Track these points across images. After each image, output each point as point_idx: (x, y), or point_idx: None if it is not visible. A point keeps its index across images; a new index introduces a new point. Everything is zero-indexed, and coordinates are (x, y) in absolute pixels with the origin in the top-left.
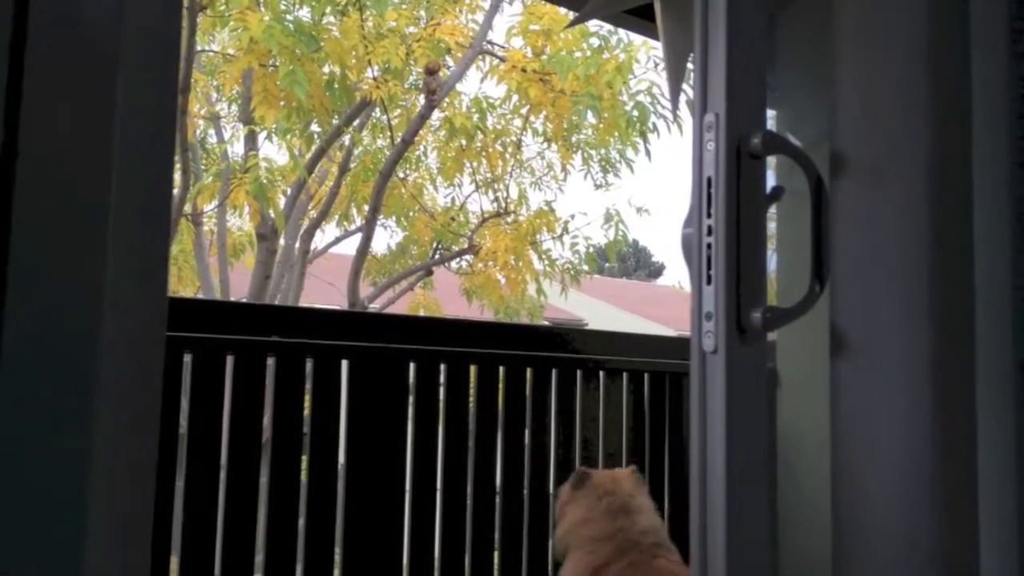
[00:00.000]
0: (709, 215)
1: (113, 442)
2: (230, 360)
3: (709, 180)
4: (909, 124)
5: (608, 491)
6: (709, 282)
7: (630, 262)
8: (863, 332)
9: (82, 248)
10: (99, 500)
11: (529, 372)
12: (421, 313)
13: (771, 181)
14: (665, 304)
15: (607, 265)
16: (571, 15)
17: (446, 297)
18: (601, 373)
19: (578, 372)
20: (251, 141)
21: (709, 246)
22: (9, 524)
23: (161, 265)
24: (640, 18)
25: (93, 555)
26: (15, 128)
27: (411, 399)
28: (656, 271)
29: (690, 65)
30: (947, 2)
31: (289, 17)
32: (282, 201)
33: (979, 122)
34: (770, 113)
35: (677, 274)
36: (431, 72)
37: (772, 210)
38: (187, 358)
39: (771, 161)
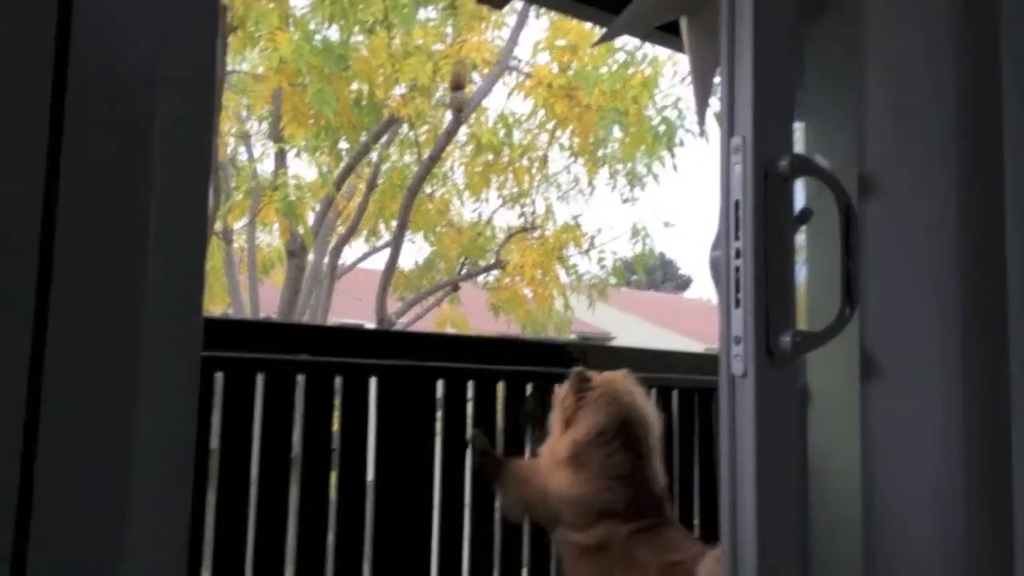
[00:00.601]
0: (737, 238)
1: (151, 458)
2: (260, 378)
3: (737, 203)
4: (939, 146)
5: (621, 413)
6: (738, 305)
7: (657, 275)
8: (894, 355)
9: (122, 273)
10: (138, 513)
11: (557, 389)
12: (448, 328)
13: (800, 199)
14: (693, 316)
15: (634, 278)
16: (597, 29)
17: (473, 312)
18: None
19: None
20: (281, 159)
21: (737, 269)
22: (53, 536)
23: (197, 290)
24: (666, 32)
25: (131, 567)
26: (57, 160)
27: (439, 415)
28: (683, 283)
29: (717, 79)
30: (978, 22)
31: (318, 37)
32: (311, 218)
33: (1010, 142)
34: (797, 125)
35: (705, 286)
36: (457, 87)
37: (801, 229)
38: (218, 376)
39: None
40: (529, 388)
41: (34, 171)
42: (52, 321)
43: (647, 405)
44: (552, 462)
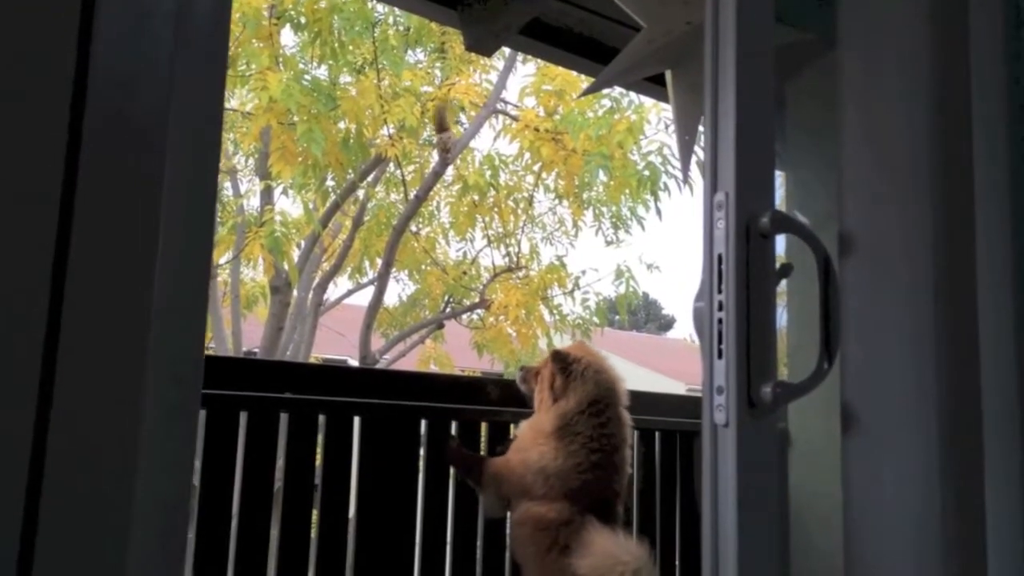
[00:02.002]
0: (720, 291)
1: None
2: (243, 416)
3: (720, 257)
4: (915, 203)
5: (609, 384)
6: (720, 356)
7: (640, 315)
8: (872, 408)
9: (128, 313)
10: (136, 546)
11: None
12: (432, 366)
13: (780, 248)
14: (675, 357)
15: (617, 318)
16: (583, 78)
17: (457, 351)
18: None
19: None
20: (267, 195)
21: (720, 321)
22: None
23: (199, 329)
24: (652, 83)
25: None
26: (72, 191)
27: (422, 453)
28: (666, 324)
29: (701, 128)
30: (952, 83)
31: (307, 77)
32: (296, 254)
33: (982, 198)
34: (778, 174)
35: (687, 327)
36: (442, 128)
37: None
38: (201, 413)
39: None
40: (513, 429)
41: (49, 204)
42: (60, 361)
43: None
44: (535, 435)
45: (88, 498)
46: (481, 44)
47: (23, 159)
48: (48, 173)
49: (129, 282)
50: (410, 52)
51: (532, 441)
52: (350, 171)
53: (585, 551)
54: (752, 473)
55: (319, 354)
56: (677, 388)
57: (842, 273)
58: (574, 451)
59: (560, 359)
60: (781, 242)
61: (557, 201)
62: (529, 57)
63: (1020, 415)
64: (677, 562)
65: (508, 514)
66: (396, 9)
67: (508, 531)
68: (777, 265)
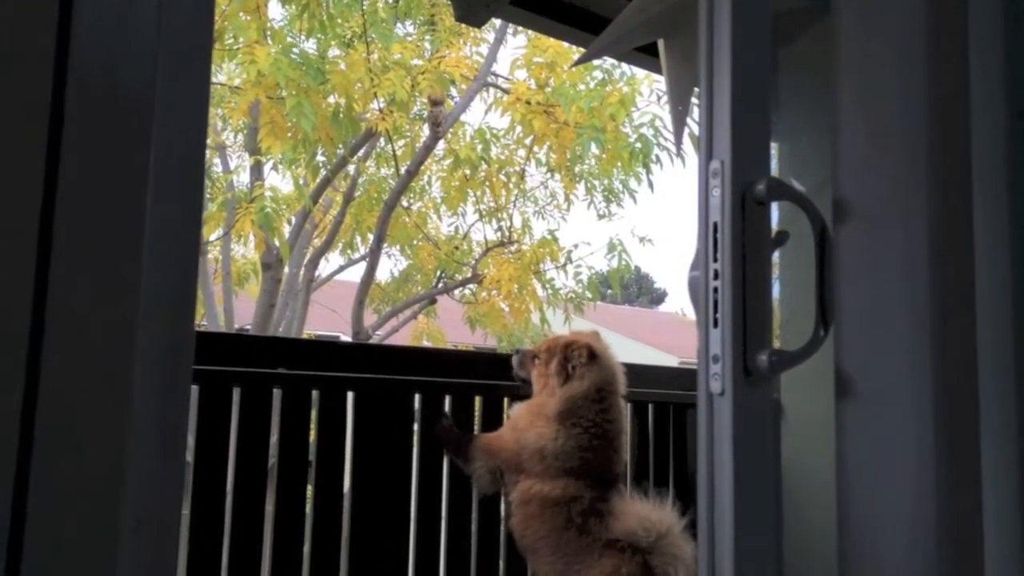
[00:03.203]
0: (715, 259)
1: (143, 468)
2: (236, 391)
3: (715, 225)
4: (910, 170)
5: (614, 373)
6: (716, 325)
7: (632, 289)
8: (867, 375)
9: (116, 287)
10: (128, 527)
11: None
12: (425, 342)
13: (775, 218)
14: (668, 330)
15: (609, 292)
16: (574, 50)
17: (449, 326)
18: None
19: None
20: (257, 171)
21: (716, 290)
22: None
23: (189, 302)
24: (644, 53)
25: None
26: (56, 167)
27: (416, 428)
28: (659, 298)
29: (695, 100)
30: (947, 50)
31: (296, 50)
32: (287, 230)
33: (979, 166)
34: (773, 144)
35: (680, 300)
36: (436, 103)
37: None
38: (194, 389)
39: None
40: (506, 402)
41: (33, 180)
42: (47, 334)
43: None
44: (534, 417)
45: (78, 478)
46: (471, 15)
47: (5, 134)
48: (31, 148)
49: (117, 256)
50: (399, 25)
51: (530, 422)
52: (340, 146)
53: (619, 516)
54: (748, 441)
55: (311, 330)
56: (670, 361)
57: (837, 240)
58: (576, 434)
59: (564, 348)
60: (775, 216)
61: (549, 175)
62: (520, 28)
63: (1015, 381)
64: None
65: (503, 495)
66: None
67: (509, 515)
68: (773, 234)
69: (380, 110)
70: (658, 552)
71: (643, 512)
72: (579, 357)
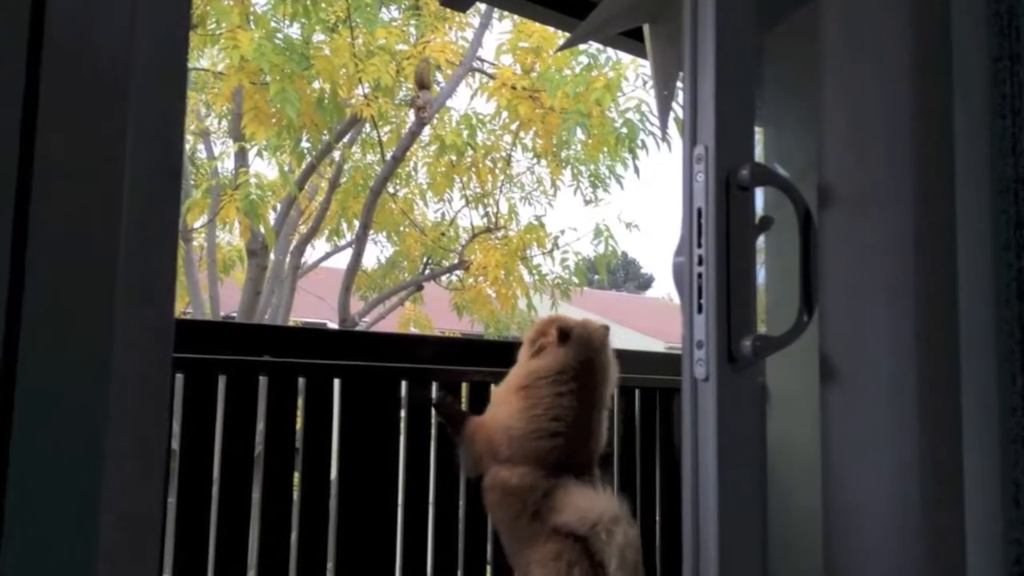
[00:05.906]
0: (700, 245)
1: (122, 460)
2: (222, 380)
3: (699, 211)
4: (894, 156)
5: (586, 357)
6: (700, 311)
7: (619, 274)
8: (851, 360)
9: (93, 273)
10: (109, 517)
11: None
12: (412, 328)
13: (760, 203)
14: (655, 315)
15: (596, 278)
16: (560, 32)
17: (436, 312)
18: None
19: None
20: (241, 157)
21: (700, 275)
22: (26, 542)
23: (168, 287)
24: (629, 38)
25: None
26: (31, 149)
27: (403, 415)
28: (645, 283)
29: (680, 84)
30: (930, 34)
31: (279, 35)
32: (272, 217)
33: (961, 152)
34: (757, 130)
35: (666, 286)
36: (422, 85)
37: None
38: (179, 377)
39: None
40: (493, 389)
41: (7, 165)
42: (25, 320)
43: (612, 361)
44: (505, 391)
45: (56, 472)
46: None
47: None
48: (5, 132)
49: (93, 242)
50: (384, 10)
51: (501, 397)
52: (325, 132)
53: (560, 509)
54: (733, 427)
55: (298, 318)
56: (656, 346)
57: (821, 225)
58: (534, 416)
59: (551, 323)
60: (760, 201)
61: (535, 160)
62: (505, 13)
63: (996, 365)
64: (658, 517)
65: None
66: None
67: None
68: (757, 219)
69: (365, 96)
70: (594, 538)
71: (580, 503)
72: (550, 336)
